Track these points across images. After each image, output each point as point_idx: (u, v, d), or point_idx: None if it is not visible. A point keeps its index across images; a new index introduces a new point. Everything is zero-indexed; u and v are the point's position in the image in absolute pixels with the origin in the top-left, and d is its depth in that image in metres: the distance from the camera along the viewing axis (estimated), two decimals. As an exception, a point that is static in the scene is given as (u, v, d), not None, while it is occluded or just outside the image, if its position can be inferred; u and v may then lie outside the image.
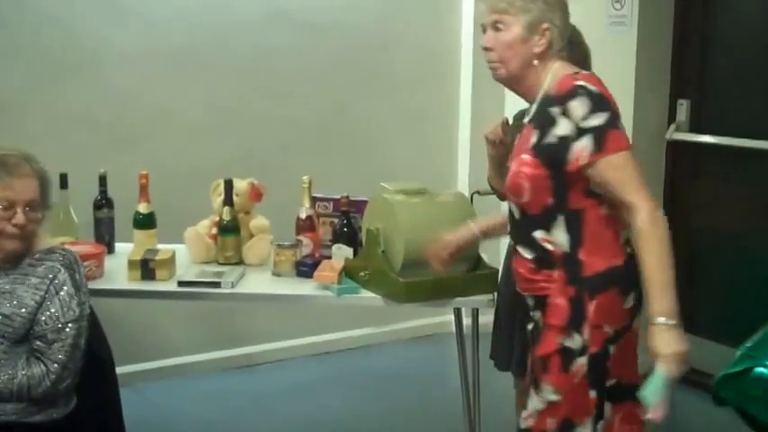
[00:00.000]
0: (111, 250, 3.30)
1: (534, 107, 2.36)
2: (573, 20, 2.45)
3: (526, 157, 2.31)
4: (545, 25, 2.30)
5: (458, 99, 5.02)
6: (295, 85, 4.59)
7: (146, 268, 3.01)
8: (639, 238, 2.22)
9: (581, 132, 2.22)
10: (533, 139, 2.31)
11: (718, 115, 4.36)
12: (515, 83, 2.39)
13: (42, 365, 2.41)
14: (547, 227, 2.32)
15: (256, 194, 3.27)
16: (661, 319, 2.19)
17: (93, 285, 2.93)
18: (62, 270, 2.47)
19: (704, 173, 4.41)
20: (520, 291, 2.48)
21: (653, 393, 2.22)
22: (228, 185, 3.19)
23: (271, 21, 4.49)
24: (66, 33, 4.06)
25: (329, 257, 3.07)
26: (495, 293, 2.92)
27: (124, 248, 3.25)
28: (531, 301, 2.45)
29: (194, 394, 4.32)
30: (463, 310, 3.09)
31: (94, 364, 2.61)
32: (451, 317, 3.14)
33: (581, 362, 2.32)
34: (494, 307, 2.98)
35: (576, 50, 2.86)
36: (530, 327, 2.48)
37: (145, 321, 4.29)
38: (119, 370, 2.74)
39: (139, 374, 4.29)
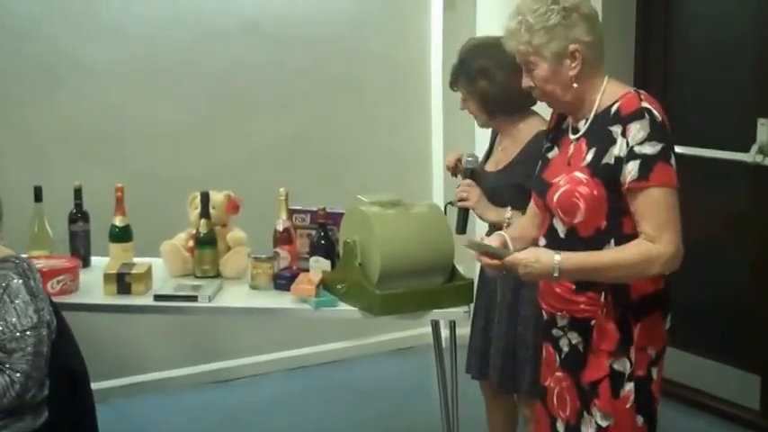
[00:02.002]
0: (86, 264, 3.32)
1: (586, 124, 2.34)
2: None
3: (582, 175, 2.29)
4: (572, 47, 2.28)
5: (429, 111, 5.08)
6: (271, 98, 4.63)
7: (121, 282, 3.03)
8: (634, 245, 2.22)
9: (631, 156, 2.20)
10: (589, 156, 2.29)
11: (683, 125, 4.36)
12: (570, 109, 2.39)
13: (5, 376, 2.39)
14: (596, 249, 2.29)
15: (233, 207, 3.29)
16: (558, 259, 2.24)
17: (68, 299, 2.96)
18: (15, 278, 2.45)
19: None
20: (549, 309, 2.45)
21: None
22: (205, 198, 3.22)
23: (244, 34, 4.54)
24: (40, 46, 4.09)
25: (307, 270, 3.09)
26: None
27: (100, 262, 3.26)
28: (563, 321, 2.42)
29: (171, 409, 4.33)
30: (441, 321, 3.13)
31: (67, 377, 2.59)
32: (429, 329, 3.17)
33: (629, 387, 2.32)
34: (470, 318, 3.02)
35: (511, 76, 2.96)
36: (565, 349, 2.43)
37: (121, 336, 4.30)
38: (95, 386, 2.74)
39: (116, 390, 4.30)
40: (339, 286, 2.94)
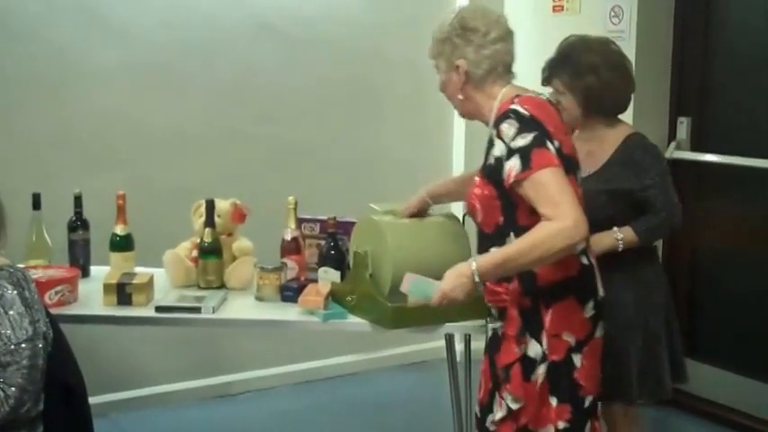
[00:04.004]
0: (86, 274, 3.30)
1: (489, 130, 2.55)
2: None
3: (477, 178, 2.55)
4: (457, 62, 2.58)
5: (452, 118, 5.03)
6: (281, 103, 4.61)
7: (122, 293, 3.02)
8: (535, 228, 2.36)
9: (510, 153, 2.41)
10: (482, 160, 2.54)
11: (721, 133, 4.38)
12: (466, 114, 2.68)
13: None
14: (500, 244, 2.49)
15: (239, 215, 3.28)
16: (474, 266, 2.43)
17: (66, 311, 2.95)
18: (9, 288, 2.43)
19: (706, 193, 4.43)
20: (487, 302, 2.62)
21: (416, 293, 2.58)
22: (210, 206, 3.20)
23: (256, 36, 4.52)
24: (40, 48, 4.07)
25: (315, 281, 3.07)
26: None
27: (100, 272, 3.25)
28: (495, 312, 2.61)
29: (173, 425, 4.31)
30: (455, 335, 3.10)
31: (63, 391, 2.57)
32: (443, 343, 3.15)
33: (540, 370, 2.50)
34: (485, 333, 2.99)
35: (617, 76, 3.07)
36: (489, 334, 2.63)
37: (121, 348, 4.29)
38: (93, 400, 2.72)
39: (115, 404, 4.28)
40: (349, 298, 2.93)
